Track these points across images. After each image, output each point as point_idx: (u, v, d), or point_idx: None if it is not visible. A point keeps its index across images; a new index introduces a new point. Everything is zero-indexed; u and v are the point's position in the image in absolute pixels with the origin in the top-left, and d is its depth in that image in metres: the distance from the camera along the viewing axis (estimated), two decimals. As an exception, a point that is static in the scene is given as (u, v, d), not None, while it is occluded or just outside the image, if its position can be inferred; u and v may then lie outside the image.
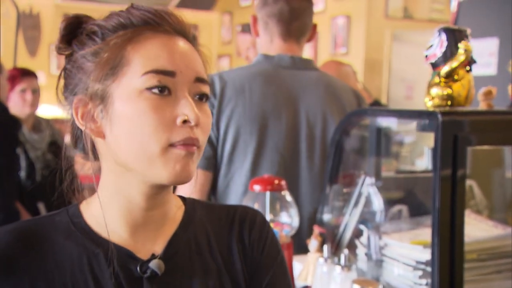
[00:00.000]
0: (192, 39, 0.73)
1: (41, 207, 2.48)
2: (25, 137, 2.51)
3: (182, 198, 0.82)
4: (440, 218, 1.05)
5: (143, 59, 0.67)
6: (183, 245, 0.76)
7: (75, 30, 0.72)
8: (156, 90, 0.66)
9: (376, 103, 2.88)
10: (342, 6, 4.50)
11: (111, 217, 0.73)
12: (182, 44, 0.70)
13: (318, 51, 4.80)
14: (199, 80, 0.70)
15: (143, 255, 0.73)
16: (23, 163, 2.47)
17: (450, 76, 1.15)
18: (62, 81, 0.74)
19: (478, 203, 1.49)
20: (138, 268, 0.71)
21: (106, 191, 0.73)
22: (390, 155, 1.63)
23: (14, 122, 2.37)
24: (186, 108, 0.67)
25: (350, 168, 1.53)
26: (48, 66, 6.24)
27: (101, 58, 0.68)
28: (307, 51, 4.83)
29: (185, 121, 0.67)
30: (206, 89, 0.71)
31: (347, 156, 1.51)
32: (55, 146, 2.58)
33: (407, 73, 4.29)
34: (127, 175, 0.70)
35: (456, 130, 1.08)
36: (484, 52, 2.83)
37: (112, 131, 0.68)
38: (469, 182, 1.50)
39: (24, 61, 5.40)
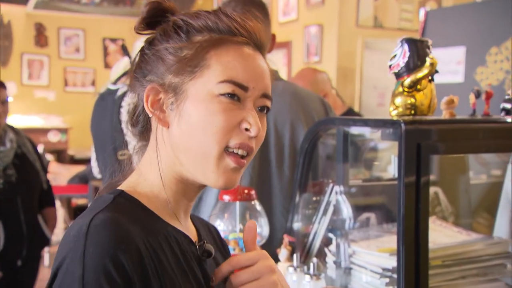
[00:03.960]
0: (265, 57, 0.78)
1: None
2: None
3: None
4: (405, 225, 1.07)
5: (223, 67, 0.72)
6: (203, 232, 0.84)
7: (157, 16, 0.76)
8: (228, 96, 0.71)
9: (350, 111, 2.90)
10: (314, 15, 4.55)
11: (160, 203, 0.76)
12: (259, 61, 0.75)
13: (292, 59, 4.83)
14: (265, 96, 0.75)
15: (192, 238, 0.79)
16: None
17: (413, 86, 1.17)
18: (137, 63, 0.78)
19: (443, 210, 1.52)
20: (198, 249, 0.77)
21: (158, 178, 0.75)
22: (358, 163, 1.65)
23: None
24: (251, 118, 0.72)
25: (319, 177, 1.54)
26: (19, 76, 6.15)
27: (184, 55, 0.72)
28: (280, 60, 4.86)
29: (246, 129, 0.72)
30: (268, 103, 0.77)
31: (316, 164, 1.52)
32: (20, 159, 2.46)
33: (379, 80, 4.35)
34: (179, 167, 0.74)
35: (419, 138, 1.10)
36: (452, 60, 2.89)
37: (179, 124, 0.72)
38: (434, 189, 1.53)
39: (-5, 71, 5.32)
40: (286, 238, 1.39)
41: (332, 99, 2.68)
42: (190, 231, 0.81)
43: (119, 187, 0.77)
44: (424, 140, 1.10)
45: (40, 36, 6.22)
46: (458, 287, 1.19)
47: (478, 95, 1.24)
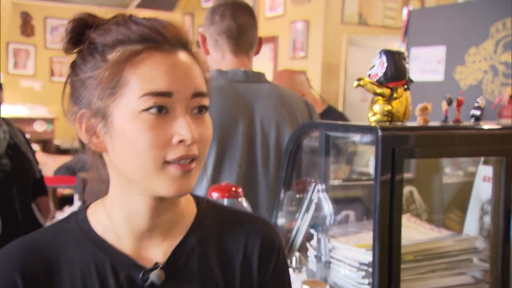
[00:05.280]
0: (191, 50, 0.75)
1: None
2: None
3: (196, 200, 0.84)
4: (380, 224, 1.16)
5: (140, 81, 0.69)
6: (187, 253, 0.78)
7: (80, 34, 0.74)
8: (153, 110, 0.68)
9: (330, 109, 2.99)
10: (301, 11, 4.62)
11: (117, 224, 0.76)
12: (180, 59, 0.71)
13: (278, 54, 4.91)
14: (197, 94, 0.72)
15: (147, 262, 0.77)
16: None
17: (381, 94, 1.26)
18: (66, 89, 0.76)
19: (418, 207, 1.62)
20: (140, 277, 0.75)
21: (113, 199, 0.77)
22: (340, 163, 1.74)
23: None
24: (182, 128, 0.69)
25: (302, 175, 1.63)
26: (5, 65, 6.14)
27: (102, 77, 0.70)
28: (267, 55, 4.93)
29: (181, 141, 0.69)
30: (205, 101, 0.73)
31: (300, 164, 1.61)
32: (13, 150, 2.52)
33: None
34: (131, 186, 0.74)
35: (394, 144, 1.19)
36: (432, 59, 2.99)
37: (113, 147, 0.72)
38: (409, 188, 1.63)
39: (-20, 60, 5.30)
40: (271, 233, 1.48)
41: (310, 98, 2.77)
42: (153, 253, 0.77)
43: (93, 203, 0.81)
44: (399, 145, 1.19)
45: (26, 26, 6.20)
46: (428, 280, 1.29)
47: (450, 102, 1.34)
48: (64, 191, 4.94)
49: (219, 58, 1.75)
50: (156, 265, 0.76)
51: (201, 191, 1.60)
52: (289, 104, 1.72)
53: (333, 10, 4.42)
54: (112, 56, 0.71)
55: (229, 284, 0.80)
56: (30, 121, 5.85)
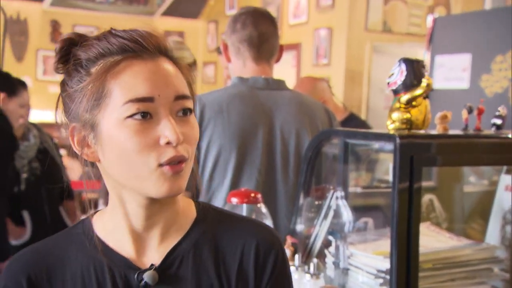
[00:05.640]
0: (172, 56, 0.78)
1: (26, 215, 2.51)
2: None
3: (198, 204, 0.86)
4: (397, 232, 1.17)
5: (121, 89, 0.72)
6: (182, 256, 0.80)
7: (68, 53, 0.77)
8: (137, 116, 0.72)
9: (352, 116, 2.99)
10: (324, 19, 4.63)
11: (117, 227, 0.80)
12: (159, 66, 0.74)
13: (301, 61, 4.92)
14: (180, 97, 0.74)
15: (143, 263, 0.79)
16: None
17: (409, 103, 1.26)
18: (61, 105, 0.79)
19: (438, 216, 1.61)
20: (135, 277, 0.78)
21: (112, 203, 0.81)
22: (360, 170, 1.74)
23: (12, 143, 2.41)
24: (167, 130, 0.72)
25: (321, 182, 1.64)
26: (34, 71, 6.29)
27: (87, 90, 0.74)
28: (290, 62, 4.95)
29: (168, 143, 0.72)
30: (188, 104, 0.75)
31: (319, 171, 1.62)
32: (43, 154, 2.61)
33: (386, 83, 4.43)
34: (124, 189, 0.77)
35: (412, 151, 1.19)
36: (458, 67, 2.96)
37: (104, 156, 0.75)
38: (430, 196, 1.62)
39: (11, 66, 5.44)
40: (289, 239, 1.49)
41: (332, 105, 2.78)
42: (150, 254, 0.80)
43: (101, 209, 0.85)
44: (417, 153, 1.19)
45: (55, 33, 6.35)
46: (447, 289, 1.28)
47: (470, 111, 1.33)
48: (89, 195, 5.03)
49: (241, 65, 1.78)
50: (151, 266, 0.79)
51: (221, 195, 1.62)
52: (309, 111, 1.74)
53: (357, 17, 4.41)
54: (95, 69, 0.74)
55: None
56: (58, 126, 5.97)
